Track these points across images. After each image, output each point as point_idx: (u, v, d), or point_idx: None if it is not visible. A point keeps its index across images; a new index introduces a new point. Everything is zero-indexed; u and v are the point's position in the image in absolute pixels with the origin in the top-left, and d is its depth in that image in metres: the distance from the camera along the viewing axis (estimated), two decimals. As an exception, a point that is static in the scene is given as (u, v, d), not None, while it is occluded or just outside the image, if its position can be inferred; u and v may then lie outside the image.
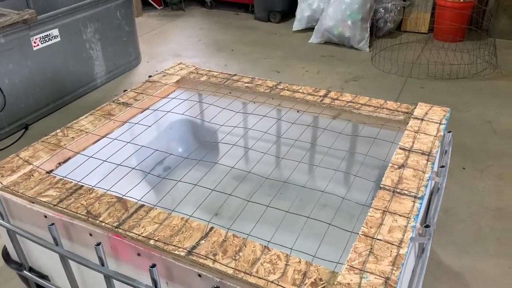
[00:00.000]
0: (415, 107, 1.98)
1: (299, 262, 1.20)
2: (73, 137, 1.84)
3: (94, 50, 4.17)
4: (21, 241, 1.62)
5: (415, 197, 1.42)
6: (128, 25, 4.53)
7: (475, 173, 2.97)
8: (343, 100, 2.08)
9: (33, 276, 1.68)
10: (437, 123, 1.85)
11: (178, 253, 1.24)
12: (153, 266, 1.19)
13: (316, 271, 1.17)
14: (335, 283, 1.12)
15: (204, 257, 1.21)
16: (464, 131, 3.44)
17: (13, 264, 1.72)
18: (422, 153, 1.65)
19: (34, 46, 3.56)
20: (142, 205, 1.43)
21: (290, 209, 1.67)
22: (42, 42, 3.61)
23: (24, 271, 1.69)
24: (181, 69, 2.46)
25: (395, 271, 1.15)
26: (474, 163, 3.08)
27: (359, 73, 4.54)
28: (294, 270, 1.17)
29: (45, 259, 1.65)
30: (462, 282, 2.18)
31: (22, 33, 3.43)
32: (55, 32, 3.71)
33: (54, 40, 3.72)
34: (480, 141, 3.33)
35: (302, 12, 5.61)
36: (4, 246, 1.75)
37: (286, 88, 2.21)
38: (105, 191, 1.51)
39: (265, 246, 1.25)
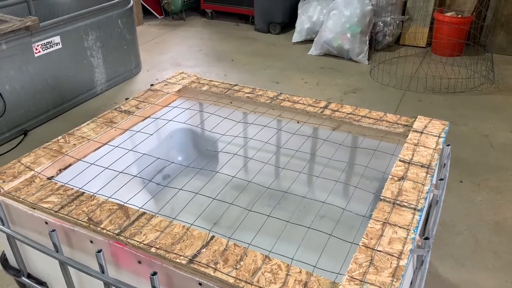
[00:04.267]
0: (414, 120, 2.00)
1: (300, 272, 1.20)
2: (74, 144, 1.85)
3: (95, 57, 4.19)
4: (20, 247, 1.62)
5: (414, 209, 1.44)
6: (129, 34, 4.56)
7: (473, 187, 2.99)
8: (343, 112, 2.10)
9: (31, 282, 1.67)
10: (436, 136, 1.87)
11: (179, 261, 1.24)
12: (154, 274, 1.19)
13: (316, 281, 1.17)
14: (336, 293, 1.12)
15: (205, 266, 1.22)
16: (461, 144, 3.47)
17: (11, 270, 1.72)
18: (421, 166, 1.67)
19: (36, 53, 3.58)
20: (144, 213, 1.43)
21: (290, 220, 1.68)
22: (43, 49, 3.63)
23: (23, 278, 1.68)
24: (183, 78, 2.47)
25: (395, 282, 1.16)
26: (472, 176, 3.10)
27: (358, 85, 4.58)
28: (295, 280, 1.17)
29: (44, 266, 1.65)
30: (459, 295, 2.19)
31: (24, 39, 3.45)
32: (57, 39, 3.74)
33: (55, 47, 3.74)
34: (477, 154, 3.36)
35: (302, 24, 5.67)
36: (3, 251, 1.75)
37: (287, 99, 2.23)
38: (107, 198, 1.51)
39: (266, 256, 1.26)
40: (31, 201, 1.50)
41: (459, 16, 5.15)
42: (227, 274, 1.19)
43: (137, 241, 1.32)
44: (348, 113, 2.09)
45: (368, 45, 5.15)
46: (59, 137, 1.90)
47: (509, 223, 2.66)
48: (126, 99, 2.24)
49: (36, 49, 3.58)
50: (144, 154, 2.01)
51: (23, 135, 3.60)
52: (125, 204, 1.48)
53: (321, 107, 2.15)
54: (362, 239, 1.31)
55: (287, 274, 1.19)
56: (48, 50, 3.68)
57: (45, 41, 3.63)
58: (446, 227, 2.62)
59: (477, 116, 3.92)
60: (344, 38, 5.11)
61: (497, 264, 2.37)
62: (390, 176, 1.60)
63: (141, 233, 1.35)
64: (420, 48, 5.52)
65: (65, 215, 1.43)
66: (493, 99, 4.24)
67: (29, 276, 1.70)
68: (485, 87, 4.47)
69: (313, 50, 5.41)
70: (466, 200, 2.87)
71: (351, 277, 1.17)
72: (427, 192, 1.52)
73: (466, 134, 3.64)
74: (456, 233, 2.59)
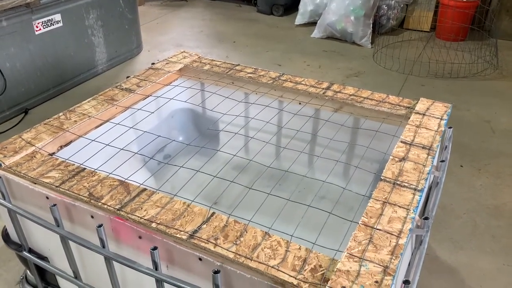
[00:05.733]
0: (417, 102, 1.99)
1: (299, 248, 1.21)
2: (75, 121, 1.85)
3: (96, 36, 4.16)
4: (21, 221, 1.63)
5: (415, 189, 1.44)
6: (131, 13, 4.52)
7: (473, 171, 3.00)
8: (345, 93, 2.09)
9: (32, 257, 1.68)
10: (438, 118, 1.87)
11: (179, 236, 1.24)
12: (155, 248, 1.20)
13: (316, 257, 1.18)
14: (335, 270, 1.13)
15: (206, 241, 1.22)
16: (463, 129, 3.46)
17: (13, 244, 1.73)
18: (423, 147, 1.66)
19: (36, 31, 3.55)
20: (144, 189, 1.44)
21: (289, 200, 1.68)
22: (44, 26, 3.60)
23: (24, 252, 1.69)
24: (184, 58, 2.46)
25: (394, 260, 1.16)
26: (472, 161, 3.10)
27: (361, 69, 4.55)
28: (294, 256, 1.18)
29: (45, 241, 1.66)
30: (457, 277, 2.21)
31: (25, 16, 3.42)
32: (58, 17, 3.70)
33: (56, 25, 3.71)
34: (478, 140, 3.35)
35: (305, 6, 5.60)
36: (4, 226, 1.76)
37: (289, 80, 2.22)
38: (108, 174, 1.52)
39: (265, 232, 1.26)
40: (32, 176, 1.50)
41: (464, 0, 5.08)
42: (227, 250, 1.20)
43: (138, 217, 1.32)
44: (350, 95, 2.08)
45: (371, 29, 5.10)
46: (60, 114, 1.89)
47: (508, 208, 2.67)
48: (127, 77, 2.23)
49: (37, 27, 3.54)
50: (145, 132, 2.01)
51: (23, 114, 3.60)
52: (126, 180, 1.48)
53: (323, 88, 2.14)
54: (362, 217, 1.31)
55: (286, 250, 1.20)
56: (49, 28, 3.65)
57: (45, 19, 3.59)
58: (445, 211, 2.63)
59: (480, 101, 3.91)
60: (347, 21, 5.06)
61: (495, 248, 2.39)
62: (391, 157, 1.60)
63: (141, 208, 1.35)
64: (424, 32, 5.47)
65: (66, 190, 1.44)
66: (496, 85, 4.21)
67: (30, 251, 1.71)
68: (489, 73, 4.45)
69: (316, 32, 5.36)
70: (466, 184, 2.88)
71: (350, 254, 1.18)
72: (428, 173, 1.52)
73: (468, 119, 3.63)
74: (455, 217, 2.60)
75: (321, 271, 1.14)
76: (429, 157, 1.61)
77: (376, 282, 1.10)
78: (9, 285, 2.12)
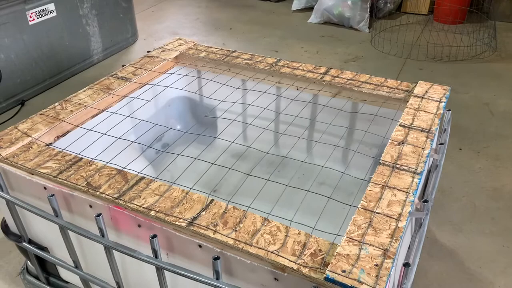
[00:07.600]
0: (415, 85, 1.98)
1: (299, 233, 1.21)
2: (71, 111, 1.83)
3: (91, 26, 4.11)
4: (20, 212, 1.63)
5: (414, 172, 1.43)
6: (125, 1, 4.46)
7: (472, 154, 2.99)
8: (343, 78, 2.08)
9: (32, 248, 1.68)
10: (437, 101, 1.85)
11: (179, 224, 1.24)
12: (154, 236, 1.20)
13: (315, 242, 1.18)
14: (335, 254, 1.13)
15: (205, 228, 1.22)
16: (462, 112, 3.45)
17: (12, 236, 1.73)
18: (421, 130, 1.65)
19: (30, 21, 3.50)
20: (143, 177, 1.43)
21: (288, 186, 1.68)
22: (38, 16, 3.56)
23: (24, 243, 1.69)
24: (180, 45, 2.43)
25: (394, 243, 1.16)
26: (471, 144, 3.09)
27: (358, 53, 4.52)
28: (294, 241, 1.18)
29: (44, 231, 1.66)
30: (456, 259, 2.21)
31: (18, 7, 3.38)
32: (51, 6, 3.66)
33: (50, 15, 3.66)
34: (477, 122, 3.34)
35: (302, -9, 5.54)
36: (3, 218, 1.76)
37: (286, 65, 2.20)
38: (105, 163, 1.51)
39: (265, 218, 1.26)
40: (29, 167, 1.50)
41: (462, -18, 5.03)
42: (226, 236, 1.19)
43: (137, 205, 1.32)
44: (348, 79, 2.06)
45: (369, 13, 5.05)
46: (56, 104, 1.88)
47: (507, 190, 2.67)
48: (123, 65, 2.21)
49: (30, 17, 3.50)
50: (142, 120, 1.99)
51: (20, 105, 3.57)
52: (124, 169, 1.48)
53: (321, 73, 2.12)
54: (361, 201, 1.31)
55: (286, 236, 1.19)
56: (43, 18, 3.60)
57: (39, 9, 3.55)
58: (445, 194, 2.64)
59: (478, 84, 3.89)
60: (344, 6, 5.01)
61: (494, 229, 2.39)
62: (390, 141, 1.59)
63: (140, 197, 1.35)
64: (422, 16, 5.42)
65: (64, 180, 1.43)
66: (494, 67, 4.19)
67: (30, 242, 1.71)
68: (487, 55, 4.42)
69: (313, 18, 5.31)
70: (465, 167, 2.87)
71: (350, 238, 1.18)
72: (427, 156, 1.52)
73: (467, 102, 3.62)
74: (455, 200, 2.60)
75: (321, 255, 1.14)
76: (428, 140, 1.60)
77: (376, 265, 1.10)
78: (10, 276, 2.13)
